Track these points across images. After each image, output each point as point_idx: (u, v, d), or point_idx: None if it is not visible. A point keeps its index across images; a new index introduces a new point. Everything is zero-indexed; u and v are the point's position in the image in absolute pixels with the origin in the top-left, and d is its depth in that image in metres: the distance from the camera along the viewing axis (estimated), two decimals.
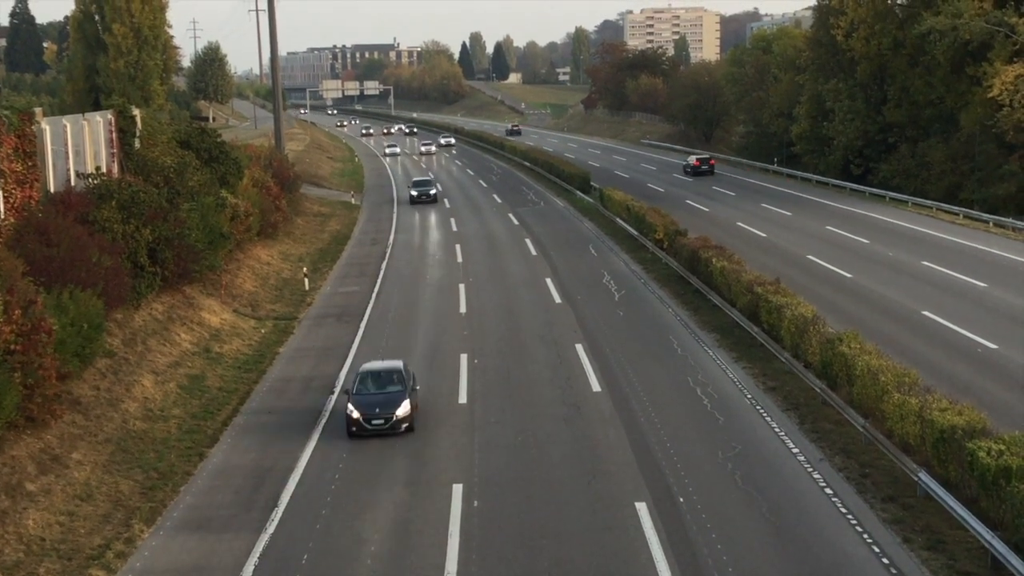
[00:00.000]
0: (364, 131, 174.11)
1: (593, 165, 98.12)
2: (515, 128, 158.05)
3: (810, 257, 48.33)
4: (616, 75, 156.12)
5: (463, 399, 29.67)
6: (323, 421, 28.31)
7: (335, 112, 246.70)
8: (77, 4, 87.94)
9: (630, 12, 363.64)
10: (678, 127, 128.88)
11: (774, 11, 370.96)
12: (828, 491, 21.97)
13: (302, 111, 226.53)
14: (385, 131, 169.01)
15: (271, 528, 21.56)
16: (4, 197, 31.35)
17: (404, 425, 26.64)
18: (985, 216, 57.77)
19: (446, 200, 78.97)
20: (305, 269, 49.88)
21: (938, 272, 43.77)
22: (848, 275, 43.91)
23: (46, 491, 22.82)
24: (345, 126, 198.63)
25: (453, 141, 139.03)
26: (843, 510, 21.01)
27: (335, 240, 61.66)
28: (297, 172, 76.76)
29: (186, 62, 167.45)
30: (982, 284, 41.05)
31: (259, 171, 60.61)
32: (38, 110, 36.14)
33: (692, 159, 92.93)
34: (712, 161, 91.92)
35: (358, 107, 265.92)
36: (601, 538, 20.26)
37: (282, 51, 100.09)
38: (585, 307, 40.51)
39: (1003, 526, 18.58)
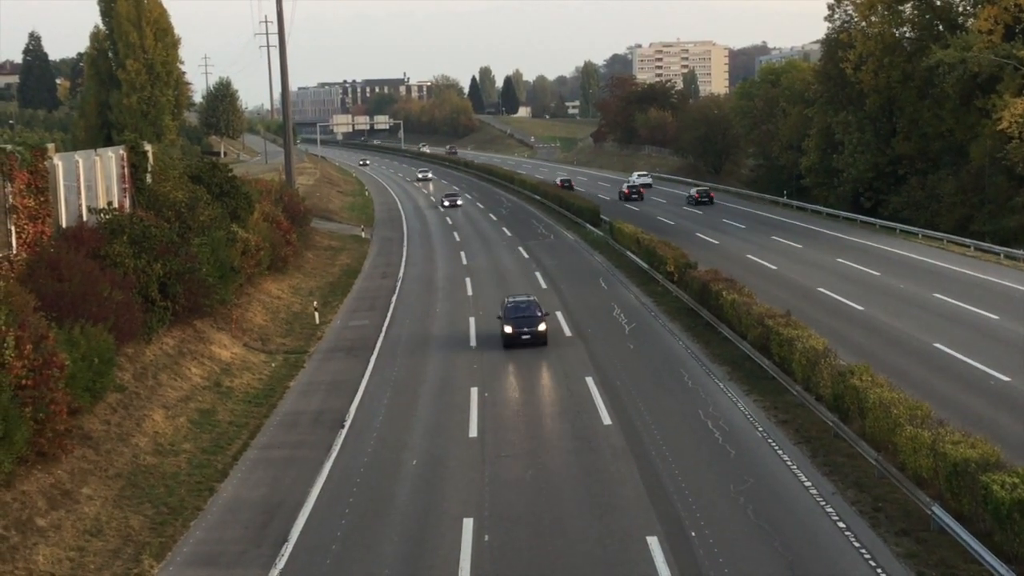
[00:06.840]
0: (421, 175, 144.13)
1: (603, 198, 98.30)
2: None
3: (821, 289, 48.23)
4: (625, 108, 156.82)
5: (473, 432, 29.58)
6: (333, 455, 28.27)
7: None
8: (91, 41, 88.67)
9: (639, 46, 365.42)
10: (688, 160, 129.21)
11: (782, 44, 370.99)
12: (841, 525, 21.82)
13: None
14: None
15: (281, 564, 21.47)
16: (17, 232, 31.53)
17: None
18: (996, 248, 57.64)
19: (455, 233, 79.14)
20: (315, 303, 49.95)
21: (949, 304, 43.63)
22: (859, 307, 43.78)
23: (56, 526, 22.78)
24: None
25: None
26: (856, 544, 20.85)
27: (345, 274, 61.77)
28: (307, 206, 77.01)
29: (198, 97, 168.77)
30: (994, 316, 40.90)
31: (269, 205, 60.85)
32: (51, 146, 36.40)
33: None
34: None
35: (376, 142, 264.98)
36: (612, 573, 20.13)
37: (293, 86, 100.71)
38: (595, 340, 40.45)
39: (1018, 560, 18.43)
